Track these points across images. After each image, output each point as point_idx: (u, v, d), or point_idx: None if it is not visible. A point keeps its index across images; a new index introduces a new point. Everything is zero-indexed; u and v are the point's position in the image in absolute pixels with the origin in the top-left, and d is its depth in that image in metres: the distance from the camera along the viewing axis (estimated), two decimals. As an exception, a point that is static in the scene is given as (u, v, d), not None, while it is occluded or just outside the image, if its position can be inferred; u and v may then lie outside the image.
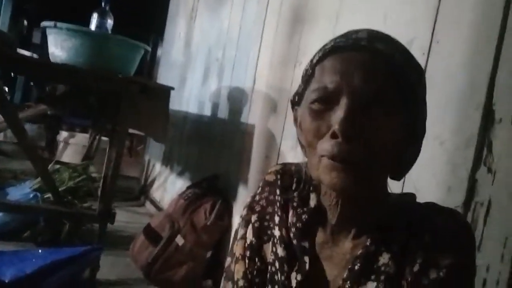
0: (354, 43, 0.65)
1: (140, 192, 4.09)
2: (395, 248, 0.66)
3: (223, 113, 2.72)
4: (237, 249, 0.78)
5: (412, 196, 0.75)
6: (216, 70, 2.94)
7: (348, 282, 0.66)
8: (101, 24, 2.37)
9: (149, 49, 2.27)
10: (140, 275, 2.28)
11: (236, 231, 0.80)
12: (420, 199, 0.74)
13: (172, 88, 2.20)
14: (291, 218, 0.74)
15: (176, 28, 4.08)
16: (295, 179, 0.78)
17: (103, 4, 2.41)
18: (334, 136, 0.62)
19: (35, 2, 7.66)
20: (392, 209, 0.69)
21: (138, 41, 2.17)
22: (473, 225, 1.04)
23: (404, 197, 0.74)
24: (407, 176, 1.21)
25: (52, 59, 2.09)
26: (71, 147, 4.01)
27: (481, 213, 1.03)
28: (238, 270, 0.76)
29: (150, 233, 2.32)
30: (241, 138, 2.38)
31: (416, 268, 0.64)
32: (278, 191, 0.78)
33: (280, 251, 0.73)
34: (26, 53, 2.30)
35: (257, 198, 0.80)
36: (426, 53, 1.26)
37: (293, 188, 0.77)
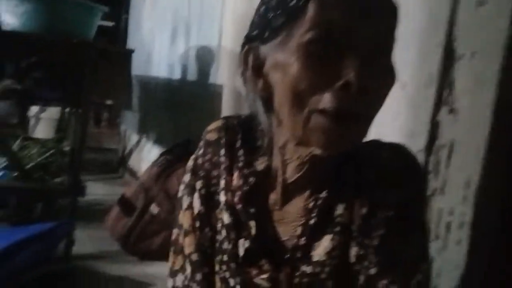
0: None
1: (118, 164, 4.03)
2: (348, 196, 0.62)
3: (192, 75, 2.64)
4: (185, 220, 0.71)
5: None
6: (183, 30, 2.82)
7: (303, 238, 0.62)
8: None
9: (106, 10, 2.15)
10: (117, 247, 2.24)
11: (181, 199, 0.73)
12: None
13: (132, 51, 2.10)
14: (236, 180, 0.67)
15: (142, -10, 3.91)
16: (239, 135, 0.70)
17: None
18: (346, 86, 0.53)
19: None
20: (342, 155, 0.64)
21: (110, 7, 2.06)
22: (435, 169, 1.00)
23: None
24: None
25: (4, 27, 1.98)
26: (43, 121, 3.88)
27: (443, 156, 0.99)
28: (189, 243, 0.70)
29: (124, 204, 2.27)
30: (211, 99, 2.31)
31: (363, 211, 0.61)
32: (222, 151, 0.69)
33: (226, 218, 0.67)
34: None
35: (199, 161, 0.71)
36: (385, -8, 1.18)
37: (238, 145, 0.69)
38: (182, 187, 0.74)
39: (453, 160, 0.98)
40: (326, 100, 0.54)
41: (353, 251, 0.61)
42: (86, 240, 2.26)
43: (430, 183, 1.01)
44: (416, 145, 1.03)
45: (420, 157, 1.02)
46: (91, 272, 2.01)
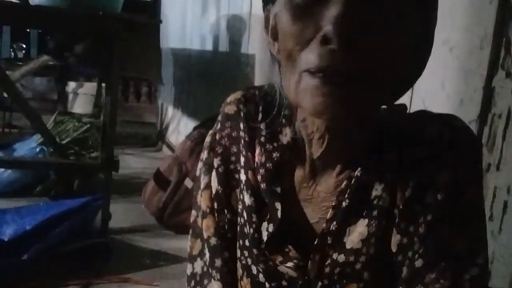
0: None
1: (157, 138, 4.05)
2: (389, 176, 0.54)
3: (223, 45, 2.57)
4: (203, 201, 0.65)
5: (402, 107, 0.60)
6: (214, -2, 2.74)
7: (334, 222, 0.55)
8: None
9: (133, -19, 2.08)
10: (153, 221, 2.24)
11: (198, 179, 0.67)
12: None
13: (160, 21, 2.03)
14: (258, 157, 0.60)
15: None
16: (260, 107, 0.63)
17: None
18: (325, 41, 0.45)
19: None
20: (381, 128, 0.56)
21: None
22: (490, 141, 0.89)
23: (393, 110, 0.59)
24: (414, 90, 1.06)
25: (31, 2, 1.95)
26: (81, 97, 3.94)
27: (499, 126, 0.88)
28: (208, 226, 0.64)
29: (159, 178, 2.26)
30: (243, 70, 2.23)
31: (407, 193, 0.52)
32: (242, 125, 0.63)
33: (247, 199, 0.60)
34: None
35: (217, 136, 0.65)
36: None
37: (259, 118, 0.62)
38: (200, 165, 0.67)
39: (510, 131, 0.86)
40: (310, 58, 0.46)
41: (395, 239, 0.53)
42: (123, 214, 2.27)
43: (484, 157, 0.90)
44: (468, 115, 0.92)
45: (472, 129, 0.91)
46: (127, 245, 2.02)
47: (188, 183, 2.15)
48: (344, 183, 0.55)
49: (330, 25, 0.44)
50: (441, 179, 0.51)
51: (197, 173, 0.68)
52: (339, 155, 0.56)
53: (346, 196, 0.55)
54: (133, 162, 3.42)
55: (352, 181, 0.55)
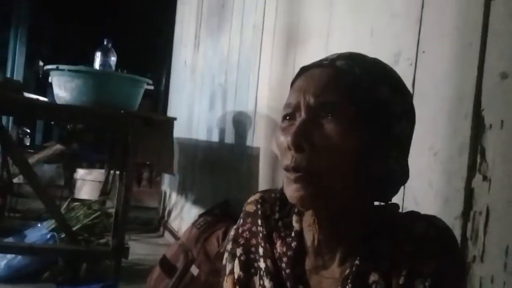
0: (318, 63, 0.68)
1: (159, 223, 4.11)
2: (384, 263, 0.65)
3: (229, 138, 2.74)
4: (227, 285, 0.77)
5: (395, 206, 0.73)
6: (220, 95, 2.97)
7: None
8: (104, 62, 2.43)
9: (150, 82, 2.30)
10: (159, 307, 2.26)
11: (224, 266, 0.80)
12: (420, 211, 0.72)
13: (175, 119, 2.23)
14: (280, 248, 0.73)
15: (182, 57, 4.15)
16: (277, 207, 0.77)
17: (105, 42, 2.48)
18: (288, 148, 0.64)
19: (49, 44, 7.92)
20: (376, 223, 0.69)
21: (151, 73, 2.21)
22: (473, 235, 1.01)
23: (387, 208, 0.73)
24: (406, 189, 1.19)
25: (57, 100, 2.15)
26: (88, 183, 4.07)
27: (480, 222, 1.00)
28: None
29: (165, 265, 2.31)
30: (248, 161, 2.38)
31: (401, 280, 0.64)
32: (259, 222, 0.77)
33: (267, 284, 0.72)
34: (33, 96, 2.36)
35: (240, 230, 0.79)
36: (414, 64, 1.25)
37: (276, 217, 0.77)
38: (225, 254, 0.81)
39: (490, 227, 0.98)
40: (283, 161, 0.66)
41: None
42: (128, 301, 2.29)
43: (469, 250, 1.01)
44: (453, 212, 1.05)
45: (457, 224, 1.04)
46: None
47: (194, 270, 2.20)
48: (347, 270, 0.67)
49: (289, 137, 0.63)
50: (428, 269, 0.63)
51: (223, 261, 0.80)
52: (335, 241, 0.68)
53: (349, 281, 0.66)
54: (135, 248, 3.44)
55: (353, 268, 0.66)
